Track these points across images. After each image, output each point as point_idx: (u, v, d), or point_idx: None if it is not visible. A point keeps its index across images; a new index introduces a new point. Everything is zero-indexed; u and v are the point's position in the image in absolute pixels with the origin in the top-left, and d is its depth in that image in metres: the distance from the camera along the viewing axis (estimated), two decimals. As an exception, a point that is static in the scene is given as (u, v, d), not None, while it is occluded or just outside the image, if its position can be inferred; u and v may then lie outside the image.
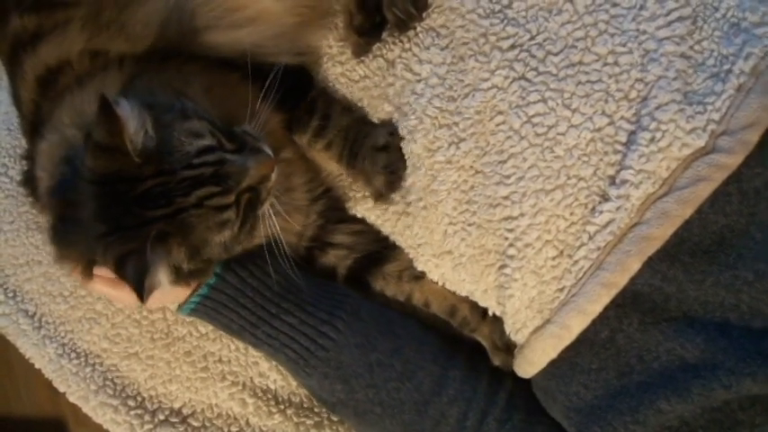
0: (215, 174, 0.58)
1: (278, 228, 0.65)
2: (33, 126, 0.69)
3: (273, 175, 0.62)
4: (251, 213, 0.62)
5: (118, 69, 0.66)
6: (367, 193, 0.77)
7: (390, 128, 0.73)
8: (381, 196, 0.74)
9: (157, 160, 0.56)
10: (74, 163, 0.59)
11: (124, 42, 0.67)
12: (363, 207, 0.78)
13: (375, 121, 0.75)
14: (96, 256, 0.59)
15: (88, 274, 0.63)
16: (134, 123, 0.54)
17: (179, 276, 0.60)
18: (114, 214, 0.56)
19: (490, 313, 0.71)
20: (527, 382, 0.69)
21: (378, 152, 0.72)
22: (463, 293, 0.72)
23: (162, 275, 0.57)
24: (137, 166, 0.55)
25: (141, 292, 0.55)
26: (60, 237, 0.63)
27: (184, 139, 0.57)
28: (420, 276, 0.75)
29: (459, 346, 0.75)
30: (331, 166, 0.79)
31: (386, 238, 0.77)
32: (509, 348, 0.71)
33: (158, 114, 0.57)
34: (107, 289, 0.66)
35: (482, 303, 0.71)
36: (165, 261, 0.57)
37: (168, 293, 0.67)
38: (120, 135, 0.53)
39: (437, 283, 0.73)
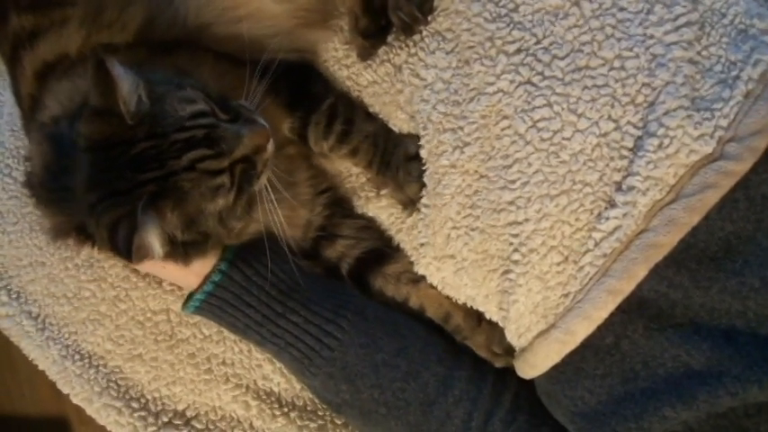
0: (207, 136, 0.58)
1: (281, 216, 0.65)
2: (32, 120, 0.69)
3: (269, 147, 0.62)
4: (246, 185, 0.61)
5: (123, 54, 0.66)
6: (382, 193, 0.77)
7: (416, 137, 0.72)
8: (412, 203, 0.74)
9: (150, 123, 0.56)
10: (63, 138, 0.59)
11: (125, 38, 0.68)
12: (376, 206, 0.78)
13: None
14: (89, 224, 0.59)
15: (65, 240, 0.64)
16: (127, 85, 0.54)
17: (174, 247, 0.59)
18: (107, 180, 0.57)
19: (487, 318, 0.71)
20: (532, 383, 0.69)
21: (410, 161, 0.72)
22: (462, 299, 0.72)
23: (153, 239, 0.56)
24: (129, 128, 0.55)
25: (129, 252, 0.55)
26: (48, 194, 0.63)
27: (177, 105, 0.57)
28: (418, 280, 0.75)
29: (465, 346, 0.75)
30: (338, 167, 0.79)
31: (390, 239, 0.78)
32: (509, 352, 0.71)
33: (154, 86, 0.58)
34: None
35: (482, 308, 0.71)
36: (158, 224, 0.56)
37: (180, 271, 0.67)
38: (113, 96, 0.54)
39: (435, 287, 0.73)
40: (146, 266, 0.64)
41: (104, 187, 0.57)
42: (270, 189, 0.64)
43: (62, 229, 0.63)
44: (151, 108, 0.56)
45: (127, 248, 0.55)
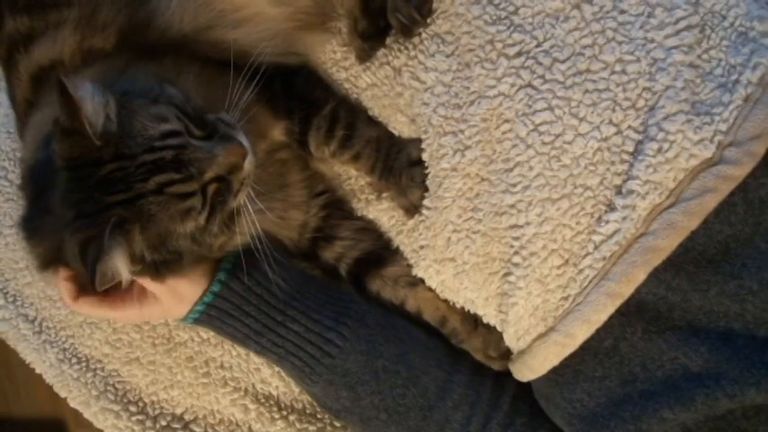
0: (176, 159, 0.56)
1: (258, 226, 0.63)
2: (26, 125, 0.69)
3: (246, 164, 0.60)
4: (220, 205, 0.60)
5: (110, 60, 0.65)
6: (383, 196, 0.77)
7: (419, 140, 0.72)
8: (415, 209, 0.73)
9: (117, 144, 0.55)
10: (49, 149, 0.59)
11: (120, 41, 0.67)
12: (376, 208, 0.78)
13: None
14: (64, 242, 0.58)
15: (55, 267, 0.63)
16: (91, 105, 0.54)
17: (144, 267, 0.58)
18: (78, 200, 0.56)
19: (485, 321, 0.71)
20: (531, 387, 0.69)
21: (413, 167, 0.72)
22: (461, 302, 0.72)
23: (119, 263, 0.56)
24: (97, 149, 0.54)
25: (94, 278, 0.54)
26: (31, 225, 0.63)
27: (148, 123, 0.56)
28: (415, 284, 0.75)
29: (463, 350, 0.75)
30: (337, 170, 0.78)
31: (388, 241, 0.78)
32: (505, 356, 0.71)
33: (129, 100, 0.57)
34: (93, 310, 0.65)
35: (480, 312, 0.71)
36: (124, 249, 0.56)
37: (168, 309, 0.67)
38: (79, 117, 0.53)
39: (433, 290, 0.73)
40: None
41: (77, 207, 0.56)
42: (249, 204, 0.62)
43: (48, 256, 0.62)
44: (119, 128, 0.55)
45: (93, 273, 0.54)
